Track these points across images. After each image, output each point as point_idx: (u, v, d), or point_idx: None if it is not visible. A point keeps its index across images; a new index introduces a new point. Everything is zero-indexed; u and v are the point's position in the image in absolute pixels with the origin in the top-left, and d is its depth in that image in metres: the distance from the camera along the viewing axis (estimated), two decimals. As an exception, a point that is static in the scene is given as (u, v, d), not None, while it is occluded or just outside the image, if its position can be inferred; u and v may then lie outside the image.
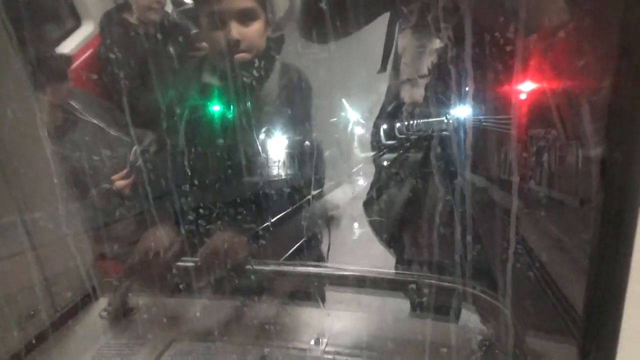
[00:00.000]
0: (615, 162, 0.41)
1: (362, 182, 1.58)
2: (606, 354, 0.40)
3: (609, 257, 0.41)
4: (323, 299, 0.96)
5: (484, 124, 1.19)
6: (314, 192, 1.26)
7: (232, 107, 1.06)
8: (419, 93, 1.30)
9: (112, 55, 1.25)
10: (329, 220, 1.41)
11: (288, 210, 1.14)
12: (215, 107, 1.13)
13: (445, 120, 1.25)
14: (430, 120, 1.45)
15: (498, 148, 1.15)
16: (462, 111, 1.23)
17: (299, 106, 1.15)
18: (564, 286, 0.78)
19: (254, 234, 1.00)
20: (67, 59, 1.23)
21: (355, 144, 1.53)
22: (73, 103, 1.16)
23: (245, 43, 1.02)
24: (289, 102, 1.14)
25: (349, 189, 1.59)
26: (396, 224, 1.20)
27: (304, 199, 1.21)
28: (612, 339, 0.39)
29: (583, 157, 0.75)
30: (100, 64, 1.37)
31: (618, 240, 0.40)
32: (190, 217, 0.96)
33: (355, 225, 1.53)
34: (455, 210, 1.06)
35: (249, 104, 1.04)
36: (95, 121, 1.14)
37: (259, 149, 1.13)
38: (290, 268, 0.87)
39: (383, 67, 1.12)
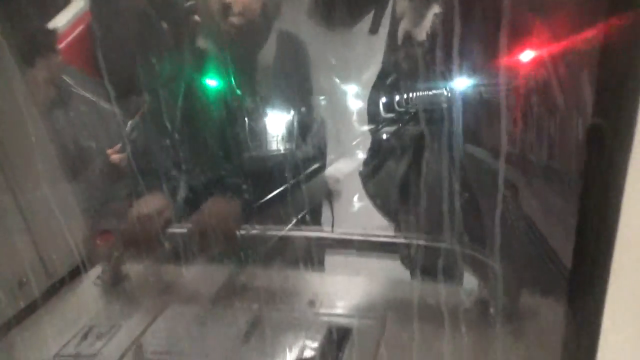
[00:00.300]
0: (603, 130, 0.42)
1: (362, 156, 1.57)
2: (594, 309, 0.40)
3: (597, 219, 0.41)
4: (318, 263, 0.95)
5: (484, 95, 1.17)
6: (313, 166, 1.26)
7: (226, 76, 1.05)
8: (418, 62, 1.27)
9: (102, 31, 1.24)
10: (330, 194, 1.40)
11: (286, 185, 1.13)
12: (211, 82, 1.11)
13: (445, 92, 1.23)
14: (430, 92, 1.42)
15: (496, 118, 1.13)
16: (462, 81, 1.20)
17: (295, 76, 1.13)
18: (556, 249, 0.78)
19: (248, 204, 1.00)
20: (54, 32, 1.21)
21: (354, 117, 1.51)
22: (65, 78, 1.15)
23: (238, 7, 0.99)
24: (285, 72, 1.12)
25: (348, 162, 1.57)
26: (394, 194, 1.20)
27: (303, 173, 1.20)
28: (599, 297, 0.39)
29: (579, 125, 0.75)
30: (91, 39, 1.35)
31: (606, 204, 0.40)
32: (184, 188, 0.96)
33: (355, 198, 1.53)
34: (452, 180, 1.05)
35: (242, 72, 1.02)
36: (88, 95, 1.13)
37: (254, 121, 1.11)
38: (284, 233, 0.87)
39: (374, 28, 1.09)
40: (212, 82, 1.10)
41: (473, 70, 1.08)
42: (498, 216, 0.66)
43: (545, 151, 1.00)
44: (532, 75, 0.91)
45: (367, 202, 1.33)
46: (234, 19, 0.98)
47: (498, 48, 0.91)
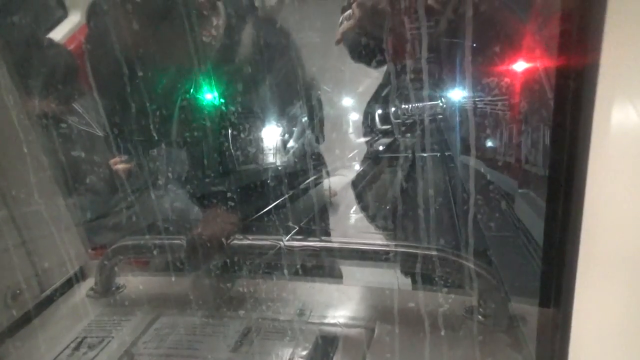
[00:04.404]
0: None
1: (358, 168, 1.57)
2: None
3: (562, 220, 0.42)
4: (309, 272, 0.94)
5: (479, 106, 1.18)
6: (309, 179, 1.26)
7: (218, 89, 1.05)
8: (412, 76, 1.28)
9: (98, 47, 1.24)
10: (328, 207, 1.40)
11: (282, 198, 1.13)
12: (207, 96, 1.11)
13: (440, 104, 1.24)
14: (425, 104, 1.43)
15: (493, 129, 1.14)
16: (456, 94, 1.21)
17: (285, 73, 1.09)
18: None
19: (242, 216, 1.00)
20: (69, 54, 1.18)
21: (350, 129, 1.52)
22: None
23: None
24: (282, 85, 1.10)
25: (345, 175, 1.58)
26: (389, 207, 1.20)
27: (301, 186, 1.20)
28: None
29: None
30: (86, 56, 1.34)
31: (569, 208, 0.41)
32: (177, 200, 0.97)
33: (352, 211, 1.53)
34: (449, 190, 1.06)
35: (237, 86, 1.03)
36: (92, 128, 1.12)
37: (249, 134, 1.12)
38: (276, 242, 0.87)
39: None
40: (208, 96, 1.11)
41: (468, 82, 1.08)
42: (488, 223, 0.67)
43: (535, 159, 1.00)
44: (525, 86, 0.92)
45: (360, 214, 1.34)
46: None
47: (491, 60, 0.93)
